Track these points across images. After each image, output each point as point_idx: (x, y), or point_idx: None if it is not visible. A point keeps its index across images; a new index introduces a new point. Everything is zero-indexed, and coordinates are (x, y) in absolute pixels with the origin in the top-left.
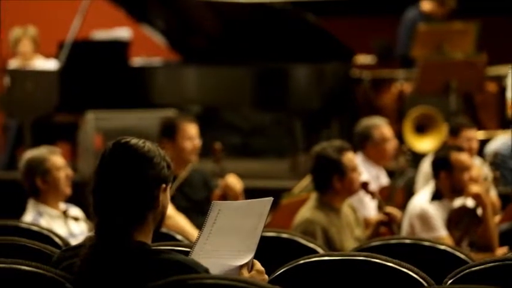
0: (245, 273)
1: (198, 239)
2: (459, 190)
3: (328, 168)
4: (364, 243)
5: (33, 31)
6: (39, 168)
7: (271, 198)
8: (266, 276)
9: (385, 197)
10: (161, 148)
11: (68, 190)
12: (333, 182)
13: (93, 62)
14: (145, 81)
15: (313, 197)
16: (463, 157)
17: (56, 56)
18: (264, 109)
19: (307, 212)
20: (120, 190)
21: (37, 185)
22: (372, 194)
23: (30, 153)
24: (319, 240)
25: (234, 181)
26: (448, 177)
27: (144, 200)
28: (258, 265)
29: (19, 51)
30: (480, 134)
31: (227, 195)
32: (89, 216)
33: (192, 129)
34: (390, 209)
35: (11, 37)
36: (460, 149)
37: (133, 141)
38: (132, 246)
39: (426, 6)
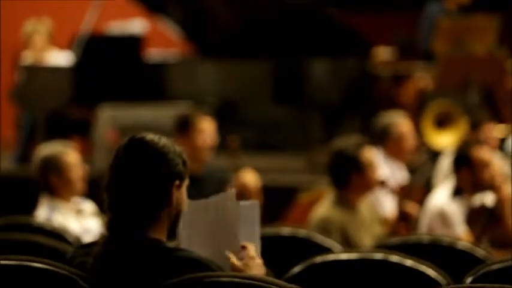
0: (235, 262)
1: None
2: (480, 186)
3: (346, 164)
4: (382, 241)
5: (47, 24)
6: (53, 166)
7: (256, 203)
8: (260, 261)
9: (404, 193)
10: (176, 144)
11: (82, 187)
12: (351, 178)
13: (107, 57)
14: (161, 75)
15: (331, 194)
16: (484, 153)
17: (70, 48)
18: (281, 104)
19: (324, 209)
20: (134, 186)
21: (51, 182)
22: (391, 191)
23: (44, 149)
24: (336, 238)
25: (249, 178)
26: (469, 174)
27: (157, 196)
28: (251, 251)
29: (32, 45)
30: (500, 129)
31: (243, 192)
32: (102, 211)
33: (206, 125)
34: (409, 206)
35: (25, 30)
36: (480, 144)
37: (149, 137)
38: (145, 243)
39: (450, 4)
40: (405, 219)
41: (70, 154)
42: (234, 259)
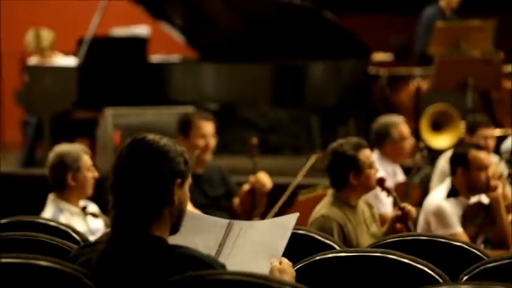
0: (275, 264)
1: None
2: (475, 188)
3: (344, 164)
4: (380, 240)
5: (46, 35)
6: (72, 165)
7: (296, 214)
8: (294, 272)
9: (401, 193)
10: (177, 144)
11: (91, 191)
12: (349, 178)
13: (111, 58)
14: (164, 77)
15: (330, 193)
16: (482, 156)
17: (75, 54)
18: (281, 106)
19: (323, 208)
20: (135, 184)
21: (66, 181)
22: (388, 191)
23: (64, 148)
24: (335, 237)
25: (264, 177)
26: (465, 175)
27: (159, 194)
28: (285, 260)
29: (36, 54)
30: (497, 131)
31: (255, 189)
32: (106, 212)
33: (206, 128)
34: (405, 205)
35: (26, 41)
36: (479, 147)
37: (150, 137)
38: (148, 241)
39: (443, 4)
40: (401, 219)
41: (87, 157)
42: (276, 262)
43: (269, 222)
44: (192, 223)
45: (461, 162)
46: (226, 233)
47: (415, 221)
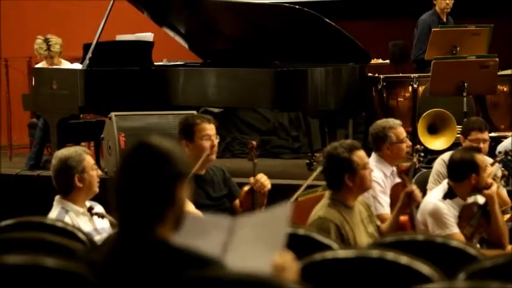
0: (277, 260)
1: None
2: (477, 188)
3: (339, 167)
4: (378, 240)
5: (56, 41)
6: (77, 167)
7: (289, 203)
8: (296, 267)
9: (398, 194)
10: (179, 146)
11: (97, 189)
12: (344, 180)
13: (117, 61)
14: (167, 82)
15: (327, 195)
16: (483, 157)
17: (80, 60)
18: (281, 109)
19: (320, 210)
20: (141, 186)
21: (73, 183)
22: (402, 178)
23: (65, 152)
24: (332, 237)
25: (264, 177)
26: (476, 179)
27: (163, 195)
28: (288, 254)
29: (45, 61)
30: (492, 135)
31: (255, 190)
32: (110, 212)
33: (209, 129)
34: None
35: (36, 46)
36: (477, 150)
37: (152, 139)
38: (153, 242)
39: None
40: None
41: (89, 157)
42: (277, 258)
43: (264, 215)
44: (196, 226)
45: (472, 168)
46: (230, 232)
47: (418, 204)
